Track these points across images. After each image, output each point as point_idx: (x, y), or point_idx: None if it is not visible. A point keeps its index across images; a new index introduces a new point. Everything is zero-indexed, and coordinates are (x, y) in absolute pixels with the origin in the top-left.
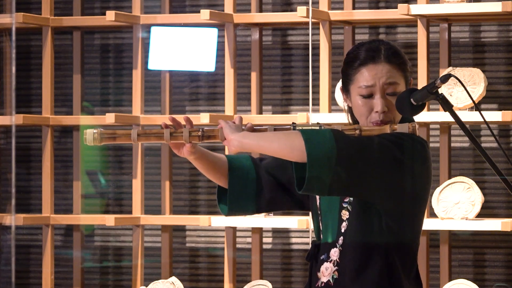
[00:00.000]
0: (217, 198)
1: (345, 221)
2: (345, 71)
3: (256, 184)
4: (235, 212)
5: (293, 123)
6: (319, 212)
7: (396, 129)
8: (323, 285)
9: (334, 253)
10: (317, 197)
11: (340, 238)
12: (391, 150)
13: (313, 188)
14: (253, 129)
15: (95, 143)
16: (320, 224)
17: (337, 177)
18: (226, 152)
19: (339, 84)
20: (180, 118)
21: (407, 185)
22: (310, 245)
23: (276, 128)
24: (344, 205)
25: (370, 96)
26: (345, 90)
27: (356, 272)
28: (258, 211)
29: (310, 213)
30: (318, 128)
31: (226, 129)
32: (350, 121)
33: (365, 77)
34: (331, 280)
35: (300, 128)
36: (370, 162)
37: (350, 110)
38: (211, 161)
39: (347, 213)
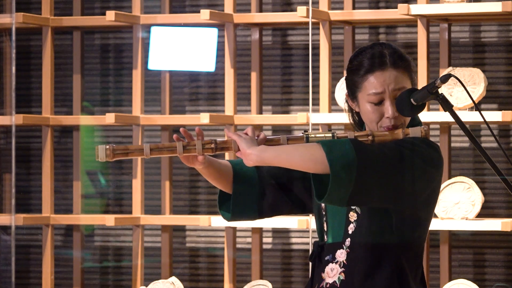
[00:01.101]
0: (218, 204)
1: (352, 222)
2: (351, 79)
3: (259, 189)
4: (238, 217)
5: (304, 131)
6: (323, 213)
7: (409, 133)
8: (328, 286)
9: (341, 255)
10: None
11: (347, 240)
12: (409, 158)
13: (334, 199)
14: (266, 139)
15: (108, 159)
16: (325, 225)
17: (357, 189)
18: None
19: (339, 84)
20: (181, 118)
21: (422, 191)
22: (312, 245)
23: (289, 137)
24: (352, 207)
25: (380, 102)
26: (352, 97)
27: (365, 274)
28: (260, 216)
29: (313, 213)
30: (334, 138)
31: (242, 143)
32: (352, 122)
33: (374, 84)
34: (337, 282)
35: (315, 138)
36: (390, 172)
37: (354, 113)
38: (217, 169)
39: (355, 215)
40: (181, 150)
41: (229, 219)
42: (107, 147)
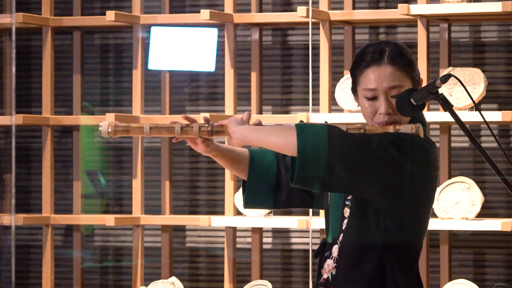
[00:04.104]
0: (242, 189)
1: (346, 218)
2: (352, 72)
3: (276, 179)
4: (251, 205)
5: (301, 121)
6: (328, 210)
7: (399, 129)
8: (324, 281)
9: (335, 250)
10: (328, 194)
11: (341, 235)
12: (387, 148)
13: (303, 182)
14: (260, 124)
15: (110, 135)
16: (329, 222)
17: (329, 173)
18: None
19: (339, 84)
20: (181, 118)
21: (402, 184)
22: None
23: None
24: (347, 203)
25: (374, 98)
26: (354, 91)
27: (351, 269)
28: (275, 206)
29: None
30: (315, 123)
31: (231, 123)
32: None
33: (369, 79)
34: (329, 277)
35: (298, 123)
36: (363, 159)
37: None
38: (231, 157)
39: (349, 210)
40: (178, 130)
41: (244, 206)
42: (110, 123)
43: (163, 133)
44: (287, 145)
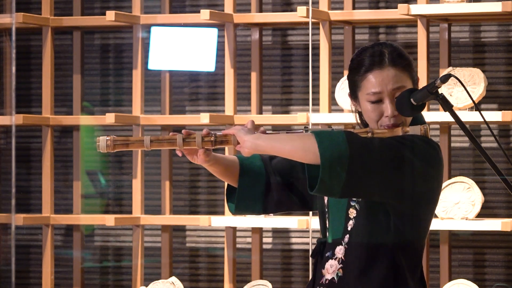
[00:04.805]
0: (226, 196)
1: (352, 219)
2: (351, 78)
3: (265, 184)
4: (242, 211)
5: (305, 127)
6: (326, 210)
7: (408, 131)
8: (327, 282)
9: (340, 251)
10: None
11: (346, 236)
12: (404, 152)
13: (325, 189)
14: (266, 133)
15: (108, 150)
16: (327, 222)
17: (349, 179)
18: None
19: (339, 84)
20: (181, 118)
21: (418, 187)
22: (316, 243)
23: (289, 132)
24: (352, 204)
25: (379, 101)
26: (353, 96)
27: (361, 270)
28: (265, 211)
29: (318, 211)
30: (331, 130)
31: (240, 132)
32: (358, 122)
33: (372, 83)
34: (335, 278)
35: (313, 130)
36: (382, 164)
37: (359, 114)
38: (224, 165)
39: (355, 211)
40: (180, 142)
41: (233, 212)
42: (108, 138)
43: (164, 146)
44: (306, 153)
